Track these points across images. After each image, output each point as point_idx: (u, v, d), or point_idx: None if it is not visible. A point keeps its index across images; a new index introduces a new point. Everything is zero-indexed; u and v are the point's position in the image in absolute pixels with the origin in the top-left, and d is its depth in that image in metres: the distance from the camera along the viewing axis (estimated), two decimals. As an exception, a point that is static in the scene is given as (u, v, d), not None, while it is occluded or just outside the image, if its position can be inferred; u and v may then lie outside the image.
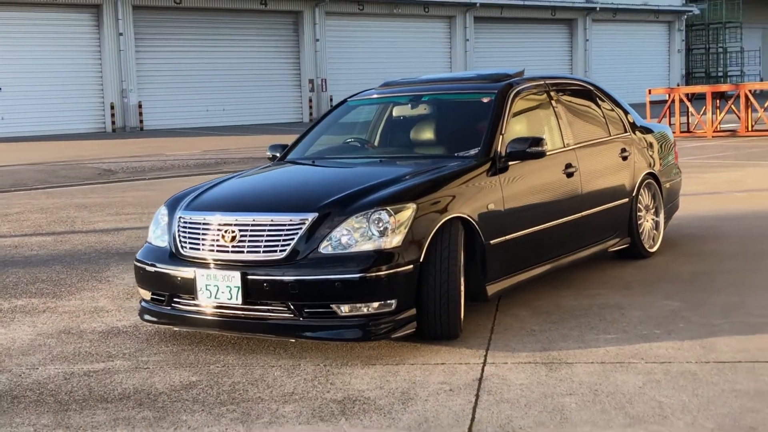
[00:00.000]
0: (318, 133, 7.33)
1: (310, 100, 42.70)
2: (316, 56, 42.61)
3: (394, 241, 5.34)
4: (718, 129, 24.22)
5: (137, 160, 22.43)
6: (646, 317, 6.04)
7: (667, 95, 25.56)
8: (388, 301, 5.31)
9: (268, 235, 5.49)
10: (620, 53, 52.78)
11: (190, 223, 5.82)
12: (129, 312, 6.86)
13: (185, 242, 5.78)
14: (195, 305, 5.68)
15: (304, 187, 6.23)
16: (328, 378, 5.10)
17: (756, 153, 18.31)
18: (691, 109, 24.64)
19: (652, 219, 8.08)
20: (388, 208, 5.43)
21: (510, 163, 6.30)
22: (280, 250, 5.42)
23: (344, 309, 5.30)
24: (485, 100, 6.74)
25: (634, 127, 8.13)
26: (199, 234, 5.74)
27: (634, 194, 7.77)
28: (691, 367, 4.99)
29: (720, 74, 57.74)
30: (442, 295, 5.49)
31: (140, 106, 38.09)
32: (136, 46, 37.97)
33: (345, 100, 7.54)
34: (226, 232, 5.59)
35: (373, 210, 5.42)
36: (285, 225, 5.47)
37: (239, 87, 40.87)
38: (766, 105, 23.92)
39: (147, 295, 6.04)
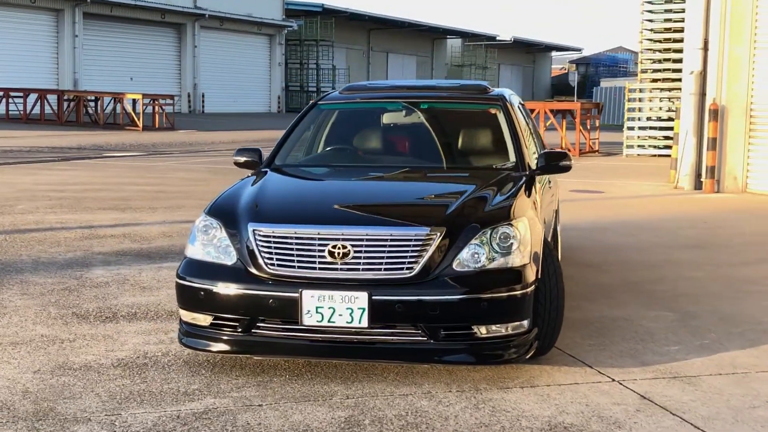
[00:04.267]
0: (294, 140, 6.67)
1: None
2: None
3: (524, 258, 5.07)
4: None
5: None
6: (670, 328, 6.30)
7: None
8: (523, 322, 5.04)
9: (389, 251, 4.94)
10: (228, 62, 53.33)
11: (275, 237, 5.04)
12: (99, 340, 5.84)
13: (270, 259, 5.00)
14: (293, 330, 4.95)
15: (402, 198, 5.66)
16: (489, 404, 4.73)
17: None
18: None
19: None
20: (512, 222, 5.14)
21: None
22: (407, 268, 4.90)
23: (482, 330, 4.95)
24: (492, 111, 6.61)
25: None
26: (291, 249, 5.00)
27: (557, 205, 8.07)
28: (803, 373, 5.35)
29: (313, 89, 60.43)
30: (552, 311, 5.33)
31: None
32: None
33: (315, 104, 6.93)
34: (333, 247, 4.93)
35: (498, 225, 5.10)
36: (410, 240, 4.95)
37: None
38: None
39: (204, 320, 5.13)
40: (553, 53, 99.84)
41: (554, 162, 6.23)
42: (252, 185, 5.77)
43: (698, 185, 15.52)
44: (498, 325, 4.96)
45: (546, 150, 6.40)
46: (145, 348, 5.66)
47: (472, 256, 4.98)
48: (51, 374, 5.13)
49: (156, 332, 6.03)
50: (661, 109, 24.45)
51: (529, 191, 5.78)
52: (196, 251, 5.28)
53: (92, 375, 5.13)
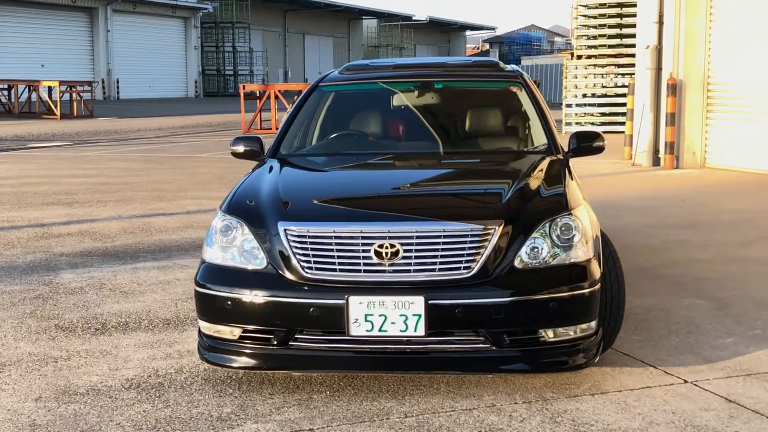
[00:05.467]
0: (298, 126, 6.03)
1: None
2: None
3: (588, 251, 4.55)
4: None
5: None
6: (712, 317, 5.89)
7: (261, 92, 25.67)
8: (591, 323, 4.53)
9: (443, 249, 4.37)
10: (142, 47, 51.77)
11: (310, 237, 4.43)
12: (98, 357, 5.16)
13: (307, 262, 4.39)
14: (337, 341, 4.36)
15: (446, 188, 5.08)
16: (567, 416, 4.22)
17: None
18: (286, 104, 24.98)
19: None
20: (572, 212, 4.63)
21: (564, 157, 5.76)
22: (465, 267, 4.34)
23: (550, 334, 4.43)
24: (514, 89, 6.08)
25: None
26: (331, 250, 4.39)
27: None
28: None
29: (230, 72, 59.20)
30: (614, 308, 4.85)
31: None
32: None
33: (316, 86, 6.27)
34: (380, 246, 4.34)
35: (557, 216, 4.57)
36: (466, 236, 4.38)
37: None
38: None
39: (231, 333, 4.50)
40: (468, 32, 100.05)
41: (587, 143, 5.75)
42: (268, 178, 5.14)
43: (656, 161, 15.26)
44: (566, 328, 4.45)
45: (578, 130, 5.90)
46: (154, 364, 5.00)
47: (533, 251, 4.45)
48: (56, 402, 4.45)
49: (158, 345, 5.38)
50: (595, 86, 24.25)
51: (571, 175, 5.28)
52: (215, 255, 4.63)
53: (104, 400, 4.47)
